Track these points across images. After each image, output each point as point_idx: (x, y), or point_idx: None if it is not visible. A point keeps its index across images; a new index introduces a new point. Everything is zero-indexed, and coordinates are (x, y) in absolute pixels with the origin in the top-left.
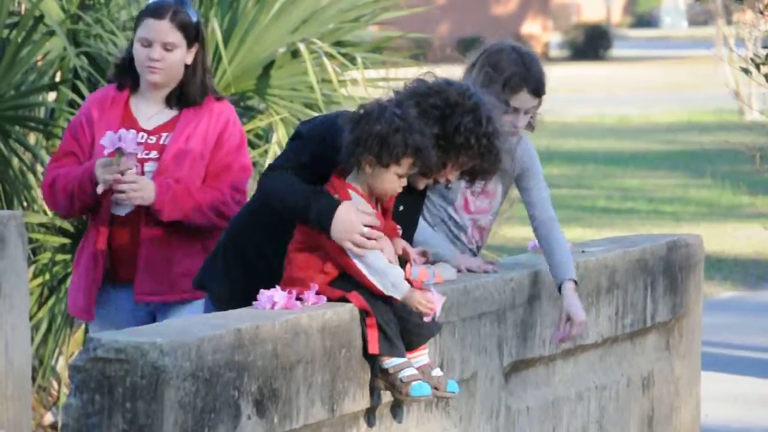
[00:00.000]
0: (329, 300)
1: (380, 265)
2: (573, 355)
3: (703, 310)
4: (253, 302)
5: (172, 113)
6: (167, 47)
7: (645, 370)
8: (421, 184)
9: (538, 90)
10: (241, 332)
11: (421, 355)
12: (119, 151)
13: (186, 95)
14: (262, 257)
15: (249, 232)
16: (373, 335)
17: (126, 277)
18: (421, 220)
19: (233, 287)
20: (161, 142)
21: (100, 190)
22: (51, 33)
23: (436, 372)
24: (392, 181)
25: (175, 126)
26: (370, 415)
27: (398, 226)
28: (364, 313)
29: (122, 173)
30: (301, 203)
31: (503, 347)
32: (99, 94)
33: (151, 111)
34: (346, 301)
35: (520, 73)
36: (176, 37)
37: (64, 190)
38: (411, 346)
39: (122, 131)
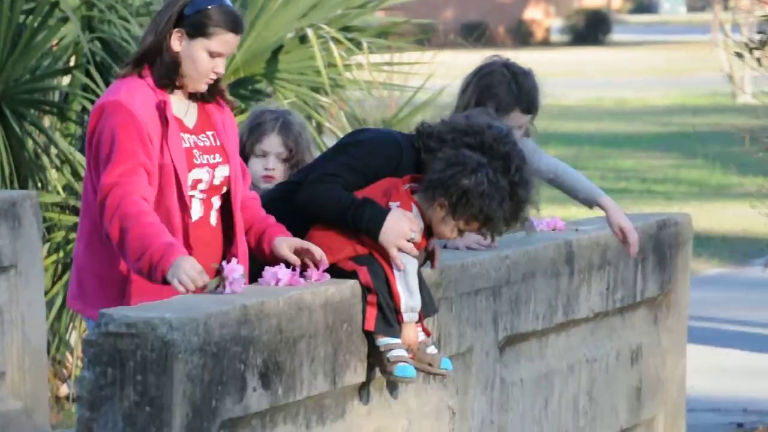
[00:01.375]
0: (341, 271)
1: (412, 285)
2: (565, 329)
3: (690, 286)
4: (259, 279)
5: (193, 106)
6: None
7: (634, 344)
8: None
9: (529, 109)
10: (246, 308)
11: (401, 348)
12: (221, 277)
13: (211, 90)
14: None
15: (277, 213)
16: (371, 313)
17: None
18: None
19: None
20: (215, 143)
21: (179, 287)
22: (65, 19)
23: (431, 350)
24: (452, 230)
25: (211, 124)
26: (370, 386)
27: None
28: (366, 290)
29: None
30: (350, 211)
31: (498, 322)
32: (142, 94)
33: (182, 108)
34: (354, 274)
35: (512, 94)
36: None
37: (132, 242)
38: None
39: (240, 268)
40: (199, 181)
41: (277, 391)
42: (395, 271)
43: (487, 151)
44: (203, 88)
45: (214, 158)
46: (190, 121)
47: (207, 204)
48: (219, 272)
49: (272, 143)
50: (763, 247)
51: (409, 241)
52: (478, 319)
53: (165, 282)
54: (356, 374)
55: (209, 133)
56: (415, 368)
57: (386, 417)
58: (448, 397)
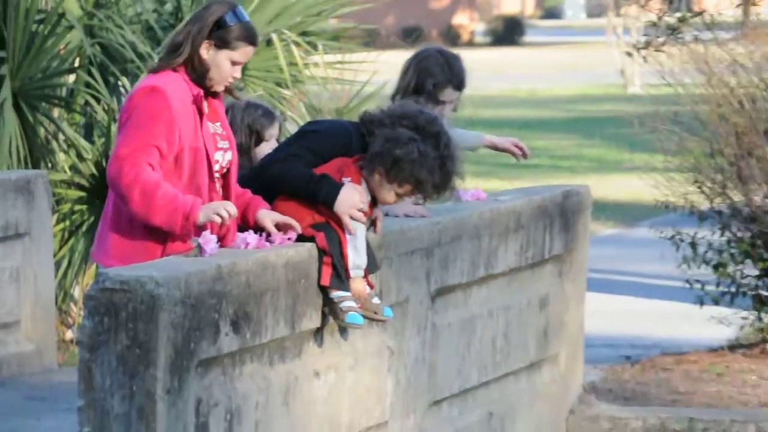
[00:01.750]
0: (303, 236)
1: (360, 247)
2: (486, 282)
3: (589, 244)
4: (231, 243)
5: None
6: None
7: (542, 293)
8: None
9: (460, 85)
10: (220, 267)
11: (351, 299)
12: (199, 247)
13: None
14: None
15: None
16: (327, 271)
17: None
18: None
19: None
20: (223, 132)
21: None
22: (71, 27)
23: (375, 300)
24: (390, 195)
25: (218, 116)
26: (324, 331)
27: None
28: (322, 252)
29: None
30: (311, 185)
31: (430, 276)
32: (177, 85)
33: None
34: (312, 239)
35: (446, 74)
36: None
37: (161, 205)
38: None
39: (214, 238)
40: (217, 162)
41: (245, 336)
42: (347, 235)
43: (420, 131)
44: (221, 89)
45: (225, 144)
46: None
47: (219, 181)
48: (198, 245)
49: (277, 127)
50: (648, 212)
51: (359, 210)
52: (414, 274)
53: (197, 227)
54: (311, 321)
55: (217, 124)
56: (363, 316)
57: (337, 356)
58: (388, 339)
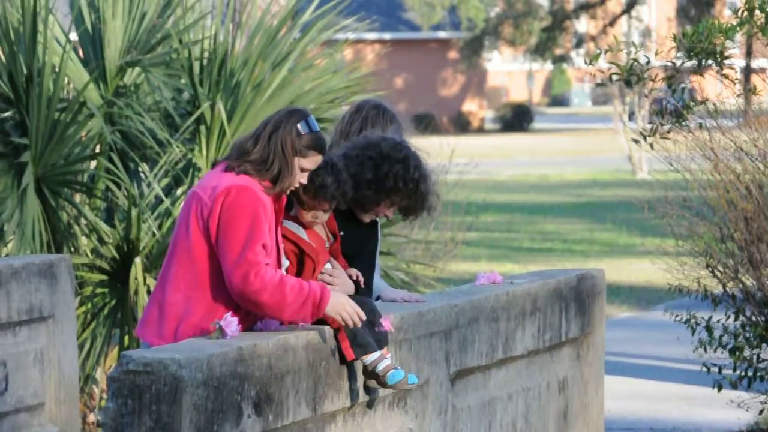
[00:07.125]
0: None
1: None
2: (504, 364)
3: (605, 328)
4: (255, 326)
5: None
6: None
7: (561, 376)
8: (366, 218)
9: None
10: (242, 349)
11: (385, 358)
12: (221, 330)
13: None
14: None
15: None
16: (345, 345)
17: None
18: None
19: None
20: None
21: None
22: (91, 115)
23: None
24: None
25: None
26: (345, 414)
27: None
28: (336, 330)
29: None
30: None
31: (450, 359)
32: (265, 200)
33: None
34: (324, 321)
35: (383, 116)
36: None
37: (292, 298)
38: (380, 346)
39: (235, 320)
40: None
41: (267, 418)
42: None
43: (386, 158)
44: (287, 192)
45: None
46: None
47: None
48: (220, 327)
49: None
50: (662, 295)
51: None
52: (433, 356)
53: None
54: (333, 403)
55: None
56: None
57: None
58: (409, 421)
